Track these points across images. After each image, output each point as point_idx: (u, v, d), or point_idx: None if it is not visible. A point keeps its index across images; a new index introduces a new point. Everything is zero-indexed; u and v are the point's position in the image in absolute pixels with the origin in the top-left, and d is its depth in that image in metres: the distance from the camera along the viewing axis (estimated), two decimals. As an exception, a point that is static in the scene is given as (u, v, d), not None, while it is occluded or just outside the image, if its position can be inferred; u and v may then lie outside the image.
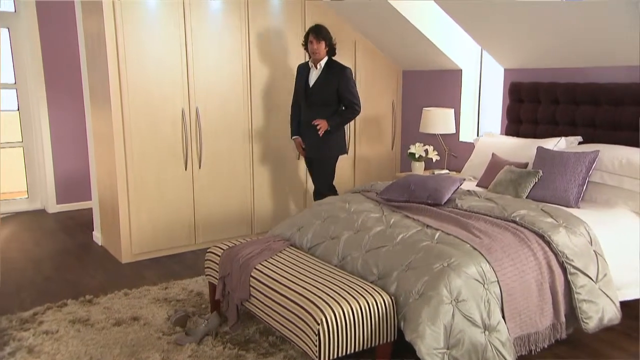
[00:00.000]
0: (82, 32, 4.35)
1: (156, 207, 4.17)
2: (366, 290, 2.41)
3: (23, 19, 5.42)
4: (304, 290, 2.41)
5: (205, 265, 3.11)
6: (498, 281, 2.47)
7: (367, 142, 5.34)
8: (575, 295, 2.68)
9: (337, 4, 4.74)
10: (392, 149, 5.53)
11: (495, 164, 3.85)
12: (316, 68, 4.13)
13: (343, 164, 5.13)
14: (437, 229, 2.75)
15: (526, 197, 3.43)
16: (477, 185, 3.91)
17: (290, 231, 3.23)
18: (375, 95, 5.31)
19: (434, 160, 4.86)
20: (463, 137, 4.93)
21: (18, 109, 5.71)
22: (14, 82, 5.63)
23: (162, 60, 4.05)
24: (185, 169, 4.26)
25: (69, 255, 4.33)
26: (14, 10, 5.49)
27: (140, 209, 4.10)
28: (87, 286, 3.67)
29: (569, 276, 2.69)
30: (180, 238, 4.32)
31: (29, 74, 5.55)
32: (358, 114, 4.20)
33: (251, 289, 2.66)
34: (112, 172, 4.05)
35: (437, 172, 4.69)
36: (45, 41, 5.45)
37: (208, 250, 3.11)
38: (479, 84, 4.92)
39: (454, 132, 4.79)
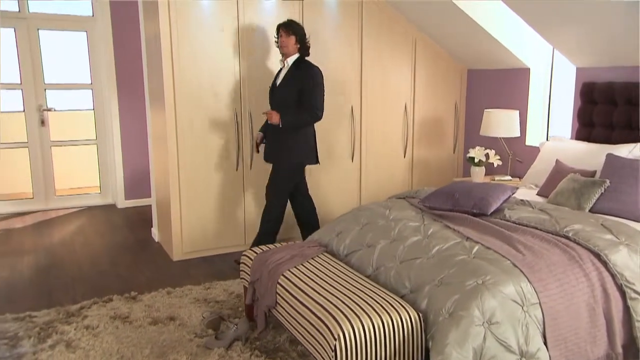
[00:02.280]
0: (143, 34, 4.49)
1: (207, 206, 4.21)
2: (392, 305, 2.26)
3: (99, 23, 5.69)
4: (326, 301, 2.31)
5: (240, 269, 3.08)
6: (540, 303, 2.24)
7: (426, 145, 5.12)
8: (636, 324, 2.39)
9: (397, 2, 4.57)
10: (453, 152, 5.27)
11: (559, 172, 3.53)
12: (284, 66, 3.85)
13: (398, 166, 4.97)
14: (477, 242, 2.54)
15: (590, 210, 3.11)
16: (537, 195, 3.61)
17: (329, 237, 3.14)
18: (436, 95, 5.08)
19: (495, 165, 4.57)
20: (530, 141, 4.59)
21: (93, 109, 6.01)
22: (90, 82, 5.93)
23: (215, 61, 4.08)
24: (237, 170, 4.27)
25: (127, 250, 4.49)
26: (91, 15, 5.79)
27: (192, 208, 4.16)
28: (135, 282, 3.76)
29: (628, 301, 2.39)
30: (230, 238, 4.35)
31: (103, 75, 5.82)
32: (317, 120, 3.78)
33: (277, 296, 2.59)
34: (166, 171, 4.13)
35: (497, 178, 4.40)
36: (117, 44, 5.69)
37: (243, 253, 3.07)
38: (549, 84, 4.56)
39: (519, 135, 4.47)
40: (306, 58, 3.84)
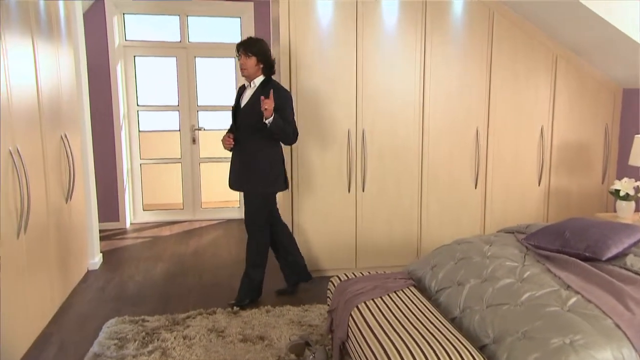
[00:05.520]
0: (276, 57, 4.69)
1: (319, 227, 4.22)
2: (462, 359, 2.00)
3: (185, 49, 6.06)
4: (390, 345, 2.12)
5: (327, 295, 3.00)
6: (647, 377, 1.81)
7: (567, 173, 4.55)
8: None
9: (533, 17, 4.16)
10: (602, 182, 4.61)
11: None
12: (250, 86, 3.60)
13: (531, 195, 4.48)
14: (577, 292, 2.16)
15: None
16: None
17: (423, 269, 2.92)
18: (581, 117, 4.51)
19: (647, 201, 3.90)
20: (697, 173, 3.83)
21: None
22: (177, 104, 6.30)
23: (332, 79, 4.09)
24: (349, 192, 4.22)
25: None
26: (179, 41, 6.16)
27: (304, 228, 4.20)
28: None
29: None
30: (341, 260, 4.30)
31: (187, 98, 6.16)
32: (293, 142, 3.57)
33: (349, 329, 2.47)
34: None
35: (648, 215, 3.74)
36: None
37: (330, 279, 3.00)
38: None
39: (680, 165, 3.76)
40: (272, 77, 3.59)
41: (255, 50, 3.48)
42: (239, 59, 3.54)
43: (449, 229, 4.40)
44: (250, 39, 3.54)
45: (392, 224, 4.32)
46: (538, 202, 4.54)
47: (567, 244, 2.55)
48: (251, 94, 3.56)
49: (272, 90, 3.38)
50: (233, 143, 3.59)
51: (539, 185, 4.51)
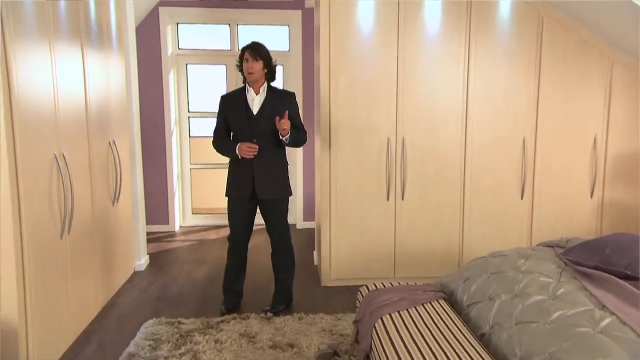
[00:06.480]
0: (317, 65, 4.71)
1: (357, 235, 4.18)
2: (483, 376, 1.92)
3: (293, 57, 6.14)
4: None
5: (356, 305, 2.96)
6: (685, 409, 1.66)
7: (624, 185, 4.29)
8: None
9: (585, 20, 3.97)
10: (663, 195, 4.32)
11: None
12: (257, 93, 3.52)
13: (582, 208, 4.27)
14: (612, 313, 2.01)
15: None
16: None
17: (456, 282, 2.83)
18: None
19: None
20: None
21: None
22: (282, 111, 6.42)
23: (371, 86, 4.05)
24: (387, 200, 4.15)
25: (286, 270, 4.69)
26: (288, 49, 6.28)
27: (341, 235, 4.17)
28: (278, 303, 3.90)
29: None
30: (378, 270, 4.23)
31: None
32: (305, 142, 3.64)
33: (372, 341, 2.42)
34: (321, 197, 4.23)
35: None
36: (305, 76, 6.06)
37: (359, 288, 2.95)
38: None
39: None
40: (272, 84, 3.61)
41: (262, 54, 3.48)
42: (245, 62, 3.48)
43: (492, 240, 4.25)
44: (256, 43, 3.51)
45: (432, 233, 4.22)
46: (590, 216, 4.30)
47: (606, 260, 2.40)
48: (261, 101, 3.53)
49: (286, 112, 3.42)
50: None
51: (591, 197, 4.28)
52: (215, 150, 3.73)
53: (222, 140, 3.62)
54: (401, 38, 4.01)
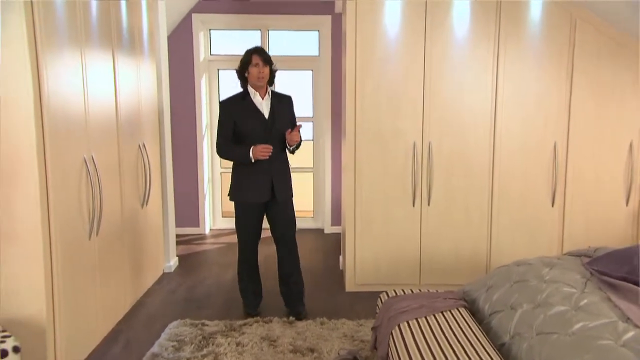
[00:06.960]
0: (344, 69, 4.72)
1: (381, 240, 4.15)
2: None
3: (323, 62, 6.17)
4: (422, 365, 2.03)
5: (376, 311, 2.93)
6: None
7: (661, 192, 4.14)
8: None
9: (619, 21, 3.85)
10: (703, 203, 4.14)
11: None
12: (263, 98, 3.54)
13: (617, 216, 4.14)
14: (637, 326, 1.94)
15: None
16: None
17: (478, 290, 2.78)
18: (679, 131, 4.09)
19: None
20: None
21: (312, 139, 6.52)
22: (311, 115, 6.46)
23: (397, 90, 4.02)
24: (413, 206, 4.11)
25: (313, 274, 4.70)
26: (317, 54, 6.31)
27: (366, 241, 4.15)
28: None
29: None
30: (403, 276, 4.19)
31: (322, 110, 6.27)
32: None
33: (389, 348, 2.39)
34: (347, 201, 4.22)
35: None
36: (334, 81, 6.07)
37: (379, 295, 2.93)
38: None
39: None
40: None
41: (270, 59, 3.54)
42: (254, 67, 3.47)
43: (521, 248, 4.15)
44: (261, 47, 3.57)
45: (459, 240, 4.15)
46: (626, 224, 4.16)
47: (634, 271, 2.31)
48: (269, 105, 3.56)
49: (299, 126, 3.53)
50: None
51: (626, 205, 4.14)
52: (219, 156, 3.78)
53: (231, 146, 3.57)
54: (428, 42, 3.97)
